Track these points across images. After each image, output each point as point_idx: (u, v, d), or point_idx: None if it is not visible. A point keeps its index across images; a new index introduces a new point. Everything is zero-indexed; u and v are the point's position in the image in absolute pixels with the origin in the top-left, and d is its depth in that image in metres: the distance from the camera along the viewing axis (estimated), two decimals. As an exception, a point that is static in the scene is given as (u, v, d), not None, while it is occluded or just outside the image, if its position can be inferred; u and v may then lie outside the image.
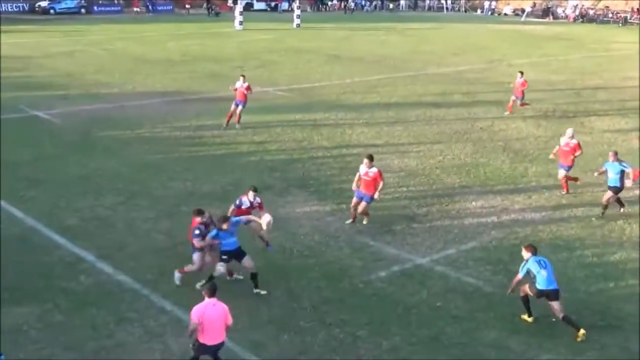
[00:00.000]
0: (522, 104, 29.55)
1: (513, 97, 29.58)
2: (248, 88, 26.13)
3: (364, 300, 13.74)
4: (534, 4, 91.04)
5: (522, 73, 29.44)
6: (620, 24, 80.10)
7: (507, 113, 29.46)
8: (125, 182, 20.00)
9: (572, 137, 20.28)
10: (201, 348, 10.62)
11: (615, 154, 18.62)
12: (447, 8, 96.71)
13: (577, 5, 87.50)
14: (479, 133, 26.86)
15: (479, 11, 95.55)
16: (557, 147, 20.69)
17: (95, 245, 15.62)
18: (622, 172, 18.25)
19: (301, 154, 23.20)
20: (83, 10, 72.93)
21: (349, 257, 15.46)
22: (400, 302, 13.70)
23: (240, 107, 26.10)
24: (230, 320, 10.61)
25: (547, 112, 30.81)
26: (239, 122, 26.14)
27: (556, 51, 53.39)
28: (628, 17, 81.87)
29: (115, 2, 78.13)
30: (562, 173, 20.27)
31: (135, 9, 74.85)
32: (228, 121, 26.12)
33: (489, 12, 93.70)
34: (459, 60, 46.71)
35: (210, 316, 10.42)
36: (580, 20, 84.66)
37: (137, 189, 19.47)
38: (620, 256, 16.09)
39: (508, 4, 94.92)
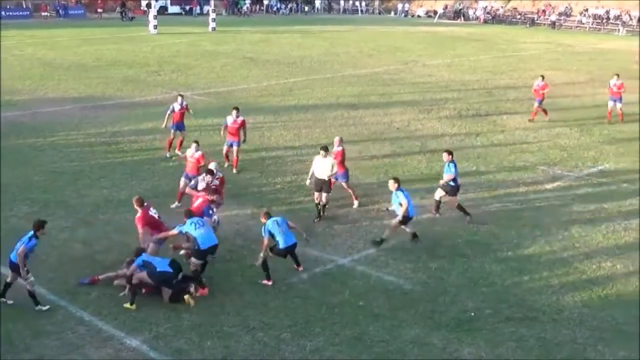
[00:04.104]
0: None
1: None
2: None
3: (287, 302, 13.76)
4: (446, 6, 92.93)
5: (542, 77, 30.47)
6: (528, 25, 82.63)
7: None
8: (39, 191, 19.48)
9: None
10: None
11: (450, 153, 18.22)
12: (361, 10, 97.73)
13: (486, 7, 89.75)
14: (395, 133, 27.28)
15: (392, 13, 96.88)
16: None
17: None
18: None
19: (220, 158, 23.03)
20: (-11, 16, 70.49)
21: (271, 260, 15.45)
22: (323, 303, 13.79)
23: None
24: None
25: (461, 111, 31.54)
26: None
27: (468, 52, 54.67)
28: (535, 18, 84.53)
29: (24, 6, 75.83)
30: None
31: (44, 14, 72.82)
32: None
33: (403, 14, 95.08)
34: (375, 62, 47.29)
35: None
36: (490, 17, 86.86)
37: (51, 198, 18.98)
38: (534, 250, 16.62)
39: (421, 6, 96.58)
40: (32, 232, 12.95)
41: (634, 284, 14.97)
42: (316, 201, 18.07)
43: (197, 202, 15.43)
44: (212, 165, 17.26)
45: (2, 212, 17.73)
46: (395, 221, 16.28)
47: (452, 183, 18.08)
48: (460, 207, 18.23)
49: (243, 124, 21.73)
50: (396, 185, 16.19)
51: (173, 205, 18.05)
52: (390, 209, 16.65)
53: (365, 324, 13.05)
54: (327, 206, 18.16)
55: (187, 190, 16.50)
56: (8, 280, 13.19)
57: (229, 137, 21.67)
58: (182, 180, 18.27)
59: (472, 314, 13.54)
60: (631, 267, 15.78)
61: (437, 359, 12.06)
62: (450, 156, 18.12)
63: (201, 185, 16.23)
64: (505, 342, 12.57)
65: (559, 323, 13.29)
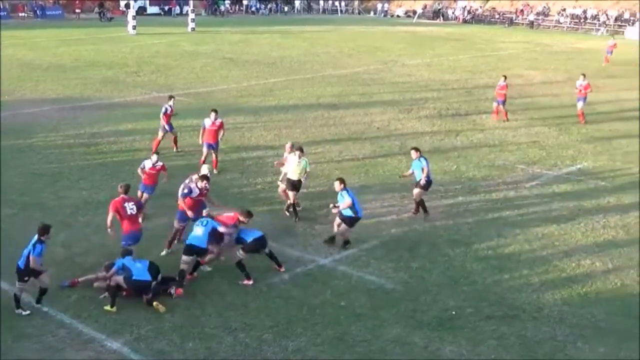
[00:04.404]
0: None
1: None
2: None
3: (268, 303, 13.75)
4: (425, 6, 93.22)
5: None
6: (507, 25, 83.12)
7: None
8: (18, 193, 19.29)
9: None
10: None
11: (417, 150, 18.57)
12: (341, 10, 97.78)
13: (465, 6, 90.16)
14: (376, 133, 27.34)
15: (372, 13, 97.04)
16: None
17: (-13, 260, 15.01)
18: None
19: (200, 159, 22.96)
20: (-36, 16, 69.72)
21: (252, 260, 15.37)
22: (305, 303, 13.79)
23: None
24: None
25: (441, 110, 31.67)
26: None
27: (447, 51, 54.88)
28: (513, 18, 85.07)
29: (1, 7, 75.11)
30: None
31: (21, 14, 72.16)
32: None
33: (382, 14, 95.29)
34: (355, 62, 47.35)
35: None
36: (469, 16, 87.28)
37: (30, 200, 18.82)
38: (514, 248, 16.73)
39: (400, 6, 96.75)
40: (36, 238, 12.85)
41: (613, 282, 15.12)
42: (292, 201, 18.06)
43: (226, 217, 15.01)
44: (204, 169, 16.98)
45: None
46: (342, 228, 16.33)
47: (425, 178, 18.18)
48: (422, 203, 18.44)
49: (222, 126, 21.50)
50: (342, 185, 16.16)
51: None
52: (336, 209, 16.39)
53: (347, 324, 13.06)
54: (299, 206, 18.22)
55: (180, 200, 15.82)
56: (42, 286, 13.11)
57: (208, 140, 21.27)
58: (142, 194, 17.74)
59: (454, 312, 13.60)
60: (610, 264, 15.94)
61: (418, 358, 12.10)
62: (419, 153, 18.35)
63: (195, 192, 15.75)
64: (486, 340, 12.64)
65: (539, 321, 13.38)
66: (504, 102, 29.68)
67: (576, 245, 16.98)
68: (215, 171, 21.14)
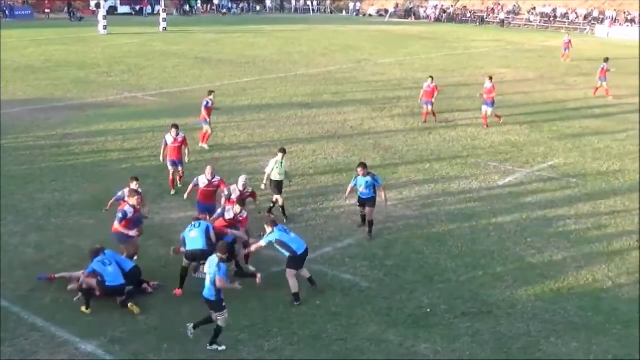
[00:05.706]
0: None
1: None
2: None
3: (244, 303, 13.71)
4: (397, 5, 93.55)
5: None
6: (478, 23, 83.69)
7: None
8: (-11, 195, 19.10)
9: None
10: None
11: (365, 167, 17.08)
12: (313, 9, 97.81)
13: (437, 5, 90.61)
14: (349, 132, 27.39)
15: (344, 12, 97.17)
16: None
17: (-42, 263, 14.83)
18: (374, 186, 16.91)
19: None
20: None
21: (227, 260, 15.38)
22: (280, 302, 13.79)
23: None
24: None
25: (413, 109, 31.78)
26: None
27: (419, 50, 55.10)
28: (484, 17, 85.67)
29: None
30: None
31: (-10, 14, 71.33)
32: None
33: (354, 13, 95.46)
34: (328, 61, 47.37)
35: None
36: (442, 14, 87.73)
37: (2, 203, 18.60)
38: (487, 245, 16.85)
39: (372, 5, 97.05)
40: (217, 259, 12.09)
41: (585, 277, 15.30)
42: (281, 203, 17.98)
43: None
44: (241, 182, 16.15)
45: (-50, 218, 17.35)
46: (288, 271, 14.09)
47: (373, 194, 17.01)
48: (371, 223, 17.09)
49: (184, 141, 19.89)
50: (270, 228, 14.08)
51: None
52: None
53: (323, 323, 13.09)
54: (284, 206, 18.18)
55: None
56: (219, 323, 12.17)
57: (171, 157, 19.68)
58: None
59: (428, 310, 13.69)
60: (582, 260, 16.12)
61: (394, 356, 12.15)
62: (366, 170, 16.87)
63: (228, 215, 14.91)
64: (461, 337, 12.73)
65: (513, 317, 13.51)
66: (432, 103, 29.04)
67: (548, 242, 17.15)
68: (179, 184, 19.99)
